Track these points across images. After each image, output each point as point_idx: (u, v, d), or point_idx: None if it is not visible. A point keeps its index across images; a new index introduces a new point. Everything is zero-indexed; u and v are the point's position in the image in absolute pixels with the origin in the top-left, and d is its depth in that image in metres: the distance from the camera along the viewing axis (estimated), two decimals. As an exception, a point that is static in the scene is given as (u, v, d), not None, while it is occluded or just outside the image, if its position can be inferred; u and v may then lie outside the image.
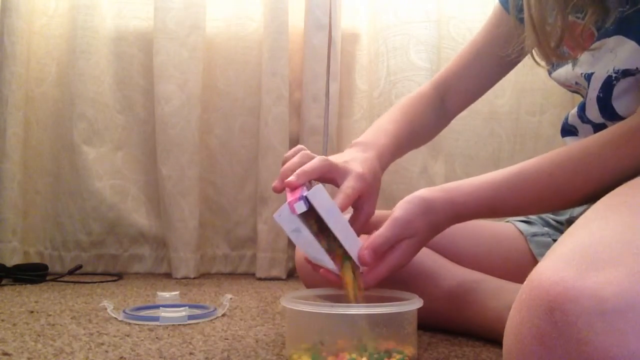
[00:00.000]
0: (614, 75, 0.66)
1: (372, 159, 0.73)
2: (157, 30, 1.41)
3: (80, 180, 1.42)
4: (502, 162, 1.47)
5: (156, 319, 0.84)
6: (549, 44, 0.67)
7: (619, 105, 0.68)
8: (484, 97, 1.45)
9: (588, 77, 0.70)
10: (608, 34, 0.67)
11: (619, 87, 0.67)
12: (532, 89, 1.47)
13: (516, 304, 0.39)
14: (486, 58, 0.87)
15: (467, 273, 0.78)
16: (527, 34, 0.69)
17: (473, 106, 1.50)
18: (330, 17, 1.42)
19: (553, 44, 0.67)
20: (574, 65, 0.73)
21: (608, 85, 0.67)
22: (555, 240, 0.50)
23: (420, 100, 0.90)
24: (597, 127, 0.72)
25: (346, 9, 1.47)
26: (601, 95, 0.68)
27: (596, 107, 0.70)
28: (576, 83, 0.74)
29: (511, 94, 1.47)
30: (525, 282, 0.39)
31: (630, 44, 0.65)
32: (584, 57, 0.71)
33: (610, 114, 0.69)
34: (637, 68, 0.65)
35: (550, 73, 0.78)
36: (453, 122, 0.89)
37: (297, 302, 0.61)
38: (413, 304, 0.62)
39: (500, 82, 1.40)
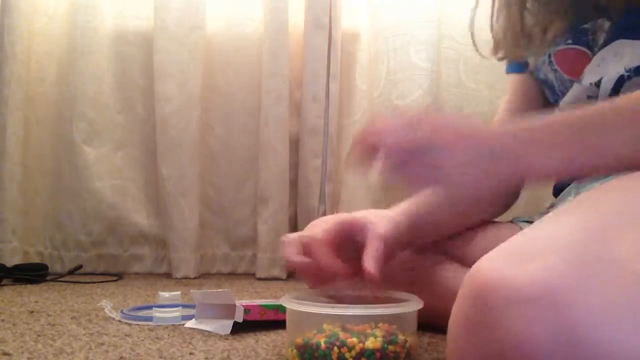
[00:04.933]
0: (626, 74, 0.68)
1: None
2: (157, 30, 1.41)
3: (80, 180, 1.42)
4: (502, 162, 1.46)
5: (150, 319, 0.84)
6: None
7: None
8: (483, 96, 1.46)
9: (598, 83, 0.71)
10: (605, 44, 0.70)
11: (630, 85, 0.68)
12: (532, 89, 1.46)
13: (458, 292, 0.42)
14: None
15: (468, 273, 0.78)
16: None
17: (473, 106, 1.49)
18: (330, 17, 1.42)
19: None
20: (580, 80, 0.74)
21: (620, 83, 0.69)
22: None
23: None
24: None
25: (346, 8, 1.47)
26: (613, 93, 0.70)
27: None
28: (588, 97, 0.74)
29: (511, 94, 1.47)
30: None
31: (636, 43, 0.67)
32: (589, 68, 0.72)
33: None
34: None
35: (558, 103, 0.79)
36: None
37: (296, 302, 0.61)
38: (413, 304, 0.62)
39: (501, 82, 1.39)
